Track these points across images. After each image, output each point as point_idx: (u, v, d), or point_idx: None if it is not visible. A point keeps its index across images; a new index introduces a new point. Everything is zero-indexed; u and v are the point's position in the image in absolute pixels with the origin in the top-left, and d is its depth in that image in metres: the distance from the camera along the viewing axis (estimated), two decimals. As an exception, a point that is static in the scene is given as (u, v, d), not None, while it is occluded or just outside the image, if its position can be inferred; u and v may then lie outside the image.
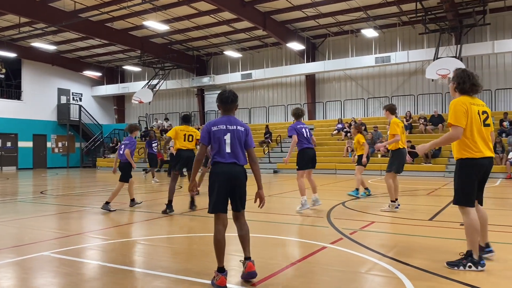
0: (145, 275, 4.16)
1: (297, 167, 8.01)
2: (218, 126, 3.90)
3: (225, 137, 3.87)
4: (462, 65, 19.51)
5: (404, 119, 21.24)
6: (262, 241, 5.61)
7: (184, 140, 7.90)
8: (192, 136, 7.95)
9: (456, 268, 4.13)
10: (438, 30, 21.02)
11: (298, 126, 7.95)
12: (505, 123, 18.56)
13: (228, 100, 3.98)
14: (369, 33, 22.65)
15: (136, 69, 31.74)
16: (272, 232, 6.11)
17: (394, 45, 23.84)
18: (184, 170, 8.17)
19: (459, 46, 20.57)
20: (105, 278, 4.07)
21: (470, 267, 4.08)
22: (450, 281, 3.81)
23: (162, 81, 29.09)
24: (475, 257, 4.11)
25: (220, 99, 4.02)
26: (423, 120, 20.89)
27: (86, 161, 30.66)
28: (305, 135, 7.93)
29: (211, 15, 22.26)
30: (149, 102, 27.54)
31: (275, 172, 20.93)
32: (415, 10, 20.00)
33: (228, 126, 3.91)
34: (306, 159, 7.92)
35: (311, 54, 26.18)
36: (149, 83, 28.84)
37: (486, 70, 22.28)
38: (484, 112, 4.27)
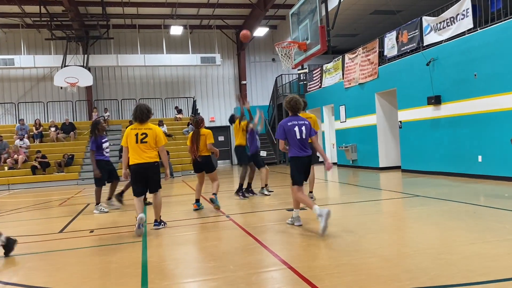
0: None
1: None
2: None
3: None
4: (89, 75, 20.32)
5: (34, 127, 20.02)
6: None
7: None
8: None
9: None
10: (65, 37, 20.97)
11: None
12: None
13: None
14: (-13, 30, 20.08)
15: None
16: None
17: (19, 48, 22.12)
18: None
19: (86, 56, 21.24)
20: None
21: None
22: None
23: None
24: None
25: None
26: (54, 128, 20.28)
27: None
28: None
29: None
30: None
31: None
32: (39, 13, 19.19)
33: None
34: None
35: None
36: None
37: (112, 80, 24.01)
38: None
